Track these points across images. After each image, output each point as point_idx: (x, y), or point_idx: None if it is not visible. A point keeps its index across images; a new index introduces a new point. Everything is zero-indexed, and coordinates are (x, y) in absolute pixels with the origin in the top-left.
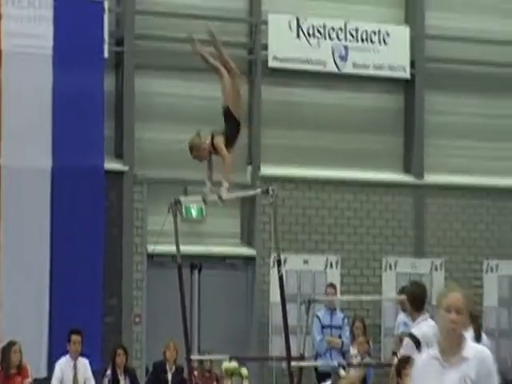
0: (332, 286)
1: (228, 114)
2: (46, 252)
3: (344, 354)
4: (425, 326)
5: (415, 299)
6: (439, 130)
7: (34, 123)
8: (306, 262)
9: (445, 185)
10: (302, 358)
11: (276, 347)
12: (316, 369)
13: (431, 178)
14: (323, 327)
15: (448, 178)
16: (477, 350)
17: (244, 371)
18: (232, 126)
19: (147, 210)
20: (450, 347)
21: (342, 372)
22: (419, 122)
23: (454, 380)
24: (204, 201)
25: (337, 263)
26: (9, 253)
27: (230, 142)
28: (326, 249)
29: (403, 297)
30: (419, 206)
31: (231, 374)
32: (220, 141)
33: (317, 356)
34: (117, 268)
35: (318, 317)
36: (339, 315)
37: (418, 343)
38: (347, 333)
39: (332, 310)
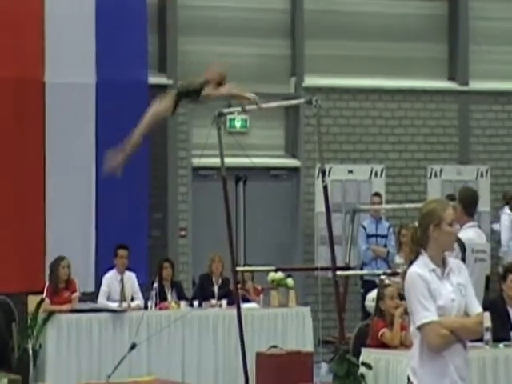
0: (377, 194)
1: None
2: (92, 167)
3: (389, 262)
4: (471, 232)
5: (467, 202)
6: (484, 36)
7: (78, 38)
8: (350, 171)
9: (490, 91)
10: (347, 267)
11: (321, 257)
12: (362, 278)
13: (476, 85)
14: (368, 236)
15: (493, 84)
16: (453, 261)
17: (290, 282)
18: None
19: (191, 123)
20: (441, 259)
21: (387, 281)
22: (464, 28)
23: (452, 288)
24: (243, 109)
25: (381, 172)
26: (54, 169)
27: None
28: (371, 158)
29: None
30: (464, 113)
31: (277, 284)
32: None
33: (362, 265)
34: (162, 182)
35: (363, 226)
36: (384, 224)
37: (463, 247)
38: (392, 242)
39: (377, 219)
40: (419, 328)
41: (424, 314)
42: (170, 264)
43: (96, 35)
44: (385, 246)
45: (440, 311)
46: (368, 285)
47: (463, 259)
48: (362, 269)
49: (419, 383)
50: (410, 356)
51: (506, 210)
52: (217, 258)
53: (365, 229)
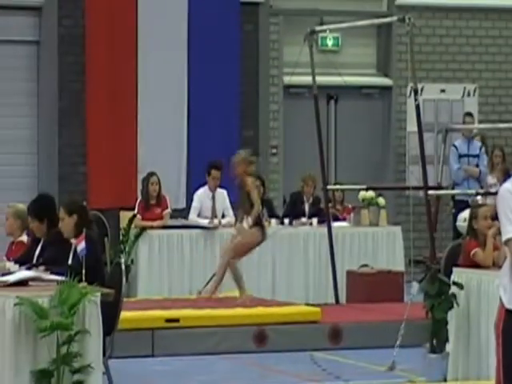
0: (469, 115)
1: None
2: (184, 84)
3: (481, 182)
4: None
5: None
6: None
7: None
8: (443, 90)
9: None
10: (439, 187)
11: (413, 177)
12: (453, 198)
13: None
14: (460, 156)
15: None
16: None
17: (381, 201)
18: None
19: (283, 41)
20: None
21: (480, 201)
22: None
23: None
24: None
25: (474, 92)
26: (146, 85)
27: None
28: (464, 77)
29: None
30: None
31: (368, 203)
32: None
33: (454, 185)
34: (253, 100)
35: (454, 146)
36: (476, 144)
37: None
38: (485, 161)
39: (469, 139)
40: (506, 243)
41: (509, 228)
42: (262, 182)
43: None
44: (477, 165)
45: None
46: (460, 205)
47: None
48: (453, 188)
49: (508, 299)
50: (502, 273)
51: None
52: (309, 177)
53: (456, 148)
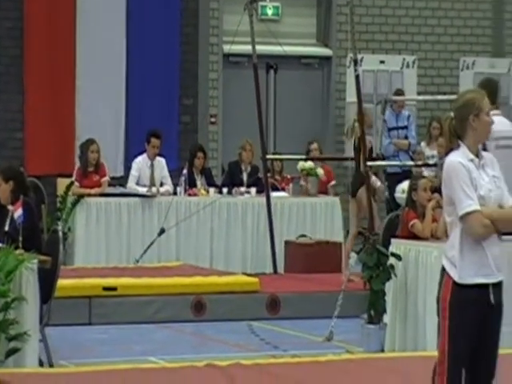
0: (399, 91)
1: None
2: (122, 51)
3: (412, 154)
4: (496, 120)
5: (489, 91)
6: None
7: None
8: (382, 62)
9: None
10: (378, 157)
11: (352, 147)
12: (384, 171)
13: None
14: (389, 129)
15: None
16: (486, 153)
17: (320, 171)
18: None
19: (223, 9)
20: (477, 150)
21: (425, 172)
22: None
23: (488, 179)
24: None
25: (413, 63)
26: (85, 52)
27: None
28: (403, 49)
29: None
30: (498, 5)
31: (307, 173)
32: None
33: (384, 159)
34: (193, 68)
35: (384, 120)
36: (404, 115)
37: None
38: (413, 132)
39: (397, 112)
40: (462, 217)
41: (468, 202)
42: (204, 153)
43: None
44: (406, 137)
45: (480, 201)
46: (391, 178)
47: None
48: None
49: (458, 274)
50: (449, 247)
51: None
52: (247, 146)
53: (386, 122)
